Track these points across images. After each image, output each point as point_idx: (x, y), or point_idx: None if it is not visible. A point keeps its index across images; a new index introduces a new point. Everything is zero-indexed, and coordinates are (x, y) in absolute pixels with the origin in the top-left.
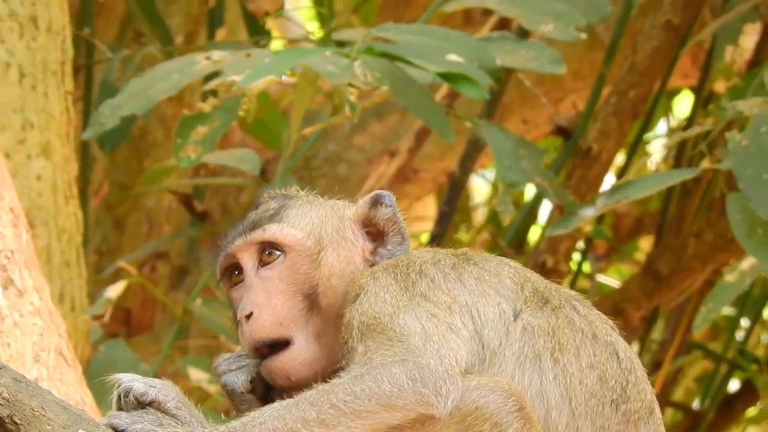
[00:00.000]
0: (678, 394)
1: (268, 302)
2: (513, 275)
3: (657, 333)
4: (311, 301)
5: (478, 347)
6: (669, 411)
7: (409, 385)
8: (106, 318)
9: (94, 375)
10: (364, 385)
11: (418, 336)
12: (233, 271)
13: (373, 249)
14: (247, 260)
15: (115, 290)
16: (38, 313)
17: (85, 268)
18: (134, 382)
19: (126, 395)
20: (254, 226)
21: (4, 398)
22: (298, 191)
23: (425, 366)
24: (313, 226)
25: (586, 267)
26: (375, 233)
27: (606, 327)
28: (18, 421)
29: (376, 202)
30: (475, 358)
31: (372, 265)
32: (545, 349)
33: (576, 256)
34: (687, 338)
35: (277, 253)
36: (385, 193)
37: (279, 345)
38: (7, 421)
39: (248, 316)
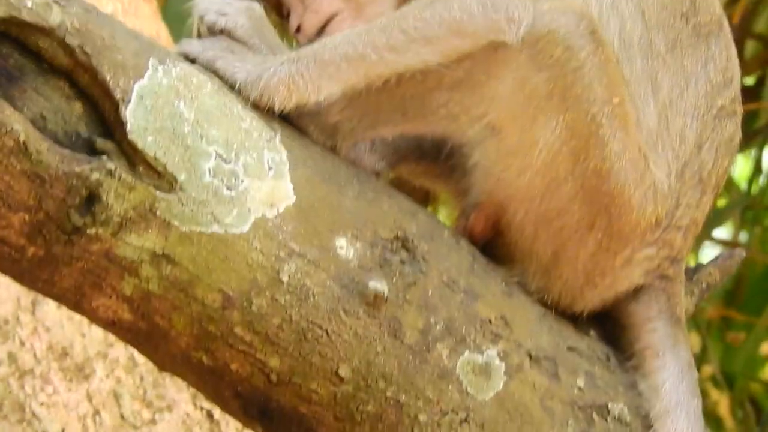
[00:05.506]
0: (759, 26)
1: (306, 6)
2: None
3: None
4: None
5: None
6: (750, 43)
7: (479, 10)
8: None
9: (171, 9)
10: (434, 11)
11: None
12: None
13: None
14: None
15: None
16: None
17: None
18: (208, 12)
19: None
20: None
21: (74, 27)
22: None
23: None
24: None
25: None
26: None
27: None
28: (88, 51)
29: None
30: None
31: None
32: None
33: None
34: None
35: None
36: None
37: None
38: (77, 51)
39: (297, 30)
